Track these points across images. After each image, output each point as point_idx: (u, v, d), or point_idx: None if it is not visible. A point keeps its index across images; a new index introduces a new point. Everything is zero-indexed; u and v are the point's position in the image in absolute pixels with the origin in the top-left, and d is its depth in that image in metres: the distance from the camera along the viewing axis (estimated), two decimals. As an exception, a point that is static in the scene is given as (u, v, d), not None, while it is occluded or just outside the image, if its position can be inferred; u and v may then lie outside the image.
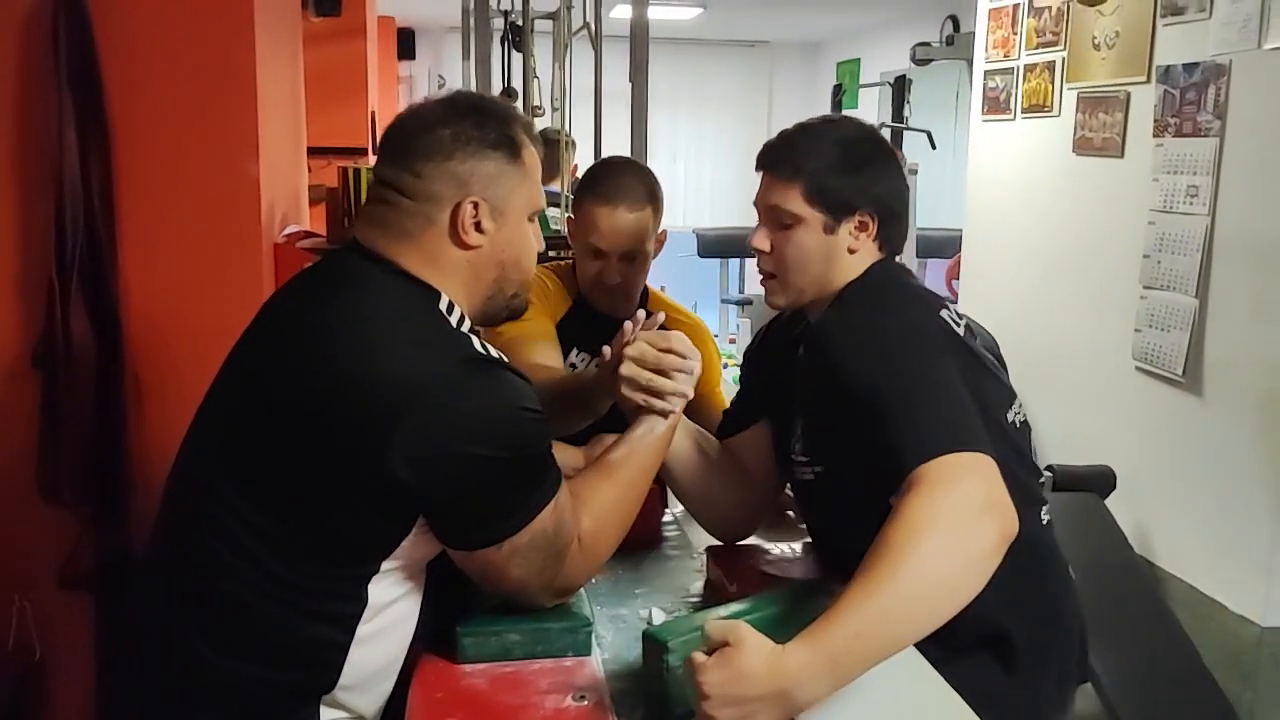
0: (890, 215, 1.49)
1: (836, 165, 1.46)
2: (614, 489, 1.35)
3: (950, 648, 1.31)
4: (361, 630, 1.22)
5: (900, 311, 1.42)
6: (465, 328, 1.27)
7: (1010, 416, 1.46)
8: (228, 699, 1.21)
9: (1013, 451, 1.41)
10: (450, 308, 1.27)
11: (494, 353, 1.24)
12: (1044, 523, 1.50)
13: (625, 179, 1.89)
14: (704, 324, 2.06)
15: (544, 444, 1.26)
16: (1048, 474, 2.77)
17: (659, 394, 1.41)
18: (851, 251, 1.48)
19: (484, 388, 1.20)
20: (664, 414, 1.41)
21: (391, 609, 1.26)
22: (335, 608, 1.22)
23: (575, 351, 1.99)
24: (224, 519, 1.20)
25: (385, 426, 1.14)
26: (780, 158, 1.49)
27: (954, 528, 1.13)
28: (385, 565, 1.23)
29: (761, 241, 1.50)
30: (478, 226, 1.29)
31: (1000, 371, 1.50)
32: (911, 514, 1.14)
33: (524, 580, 1.26)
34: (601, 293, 1.93)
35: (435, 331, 1.23)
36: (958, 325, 1.44)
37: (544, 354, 1.85)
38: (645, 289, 2.03)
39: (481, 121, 1.30)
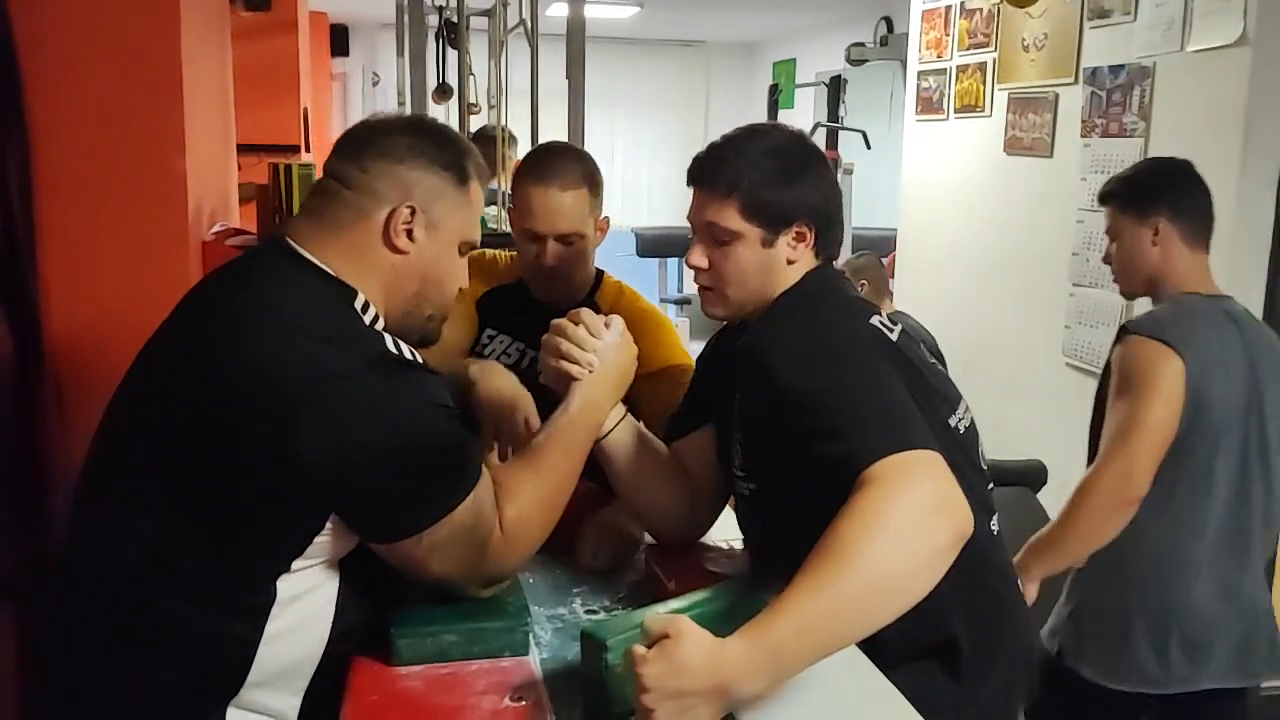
0: (826, 223, 1.49)
1: (772, 178, 1.44)
2: (537, 474, 1.35)
3: (898, 654, 1.32)
4: (271, 628, 1.20)
5: (830, 319, 1.41)
6: (379, 327, 1.25)
7: (954, 421, 1.45)
8: (131, 704, 1.19)
9: (961, 456, 1.39)
10: (365, 307, 1.26)
11: (407, 352, 1.23)
12: (995, 532, 1.48)
13: (561, 160, 1.86)
14: (659, 312, 2.01)
15: (454, 439, 1.25)
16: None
17: (571, 360, 1.45)
18: (790, 262, 1.47)
19: (391, 384, 1.19)
20: (572, 377, 1.45)
21: (303, 605, 1.23)
22: (244, 604, 1.20)
23: (490, 333, 1.94)
24: (133, 517, 1.18)
25: (290, 420, 1.13)
26: (713, 173, 1.46)
27: (905, 526, 1.11)
28: (297, 563, 1.21)
29: (699, 259, 1.48)
30: (409, 234, 1.29)
31: (942, 377, 1.49)
32: (861, 511, 1.12)
33: (446, 573, 1.27)
34: (539, 279, 1.88)
35: (345, 328, 1.22)
36: (891, 332, 1.43)
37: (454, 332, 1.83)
38: (600, 275, 1.98)
39: (441, 143, 1.33)
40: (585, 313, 1.50)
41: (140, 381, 1.29)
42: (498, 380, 1.62)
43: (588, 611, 1.48)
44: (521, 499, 1.31)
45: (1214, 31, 2.65)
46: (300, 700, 1.28)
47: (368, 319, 1.25)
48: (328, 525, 1.20)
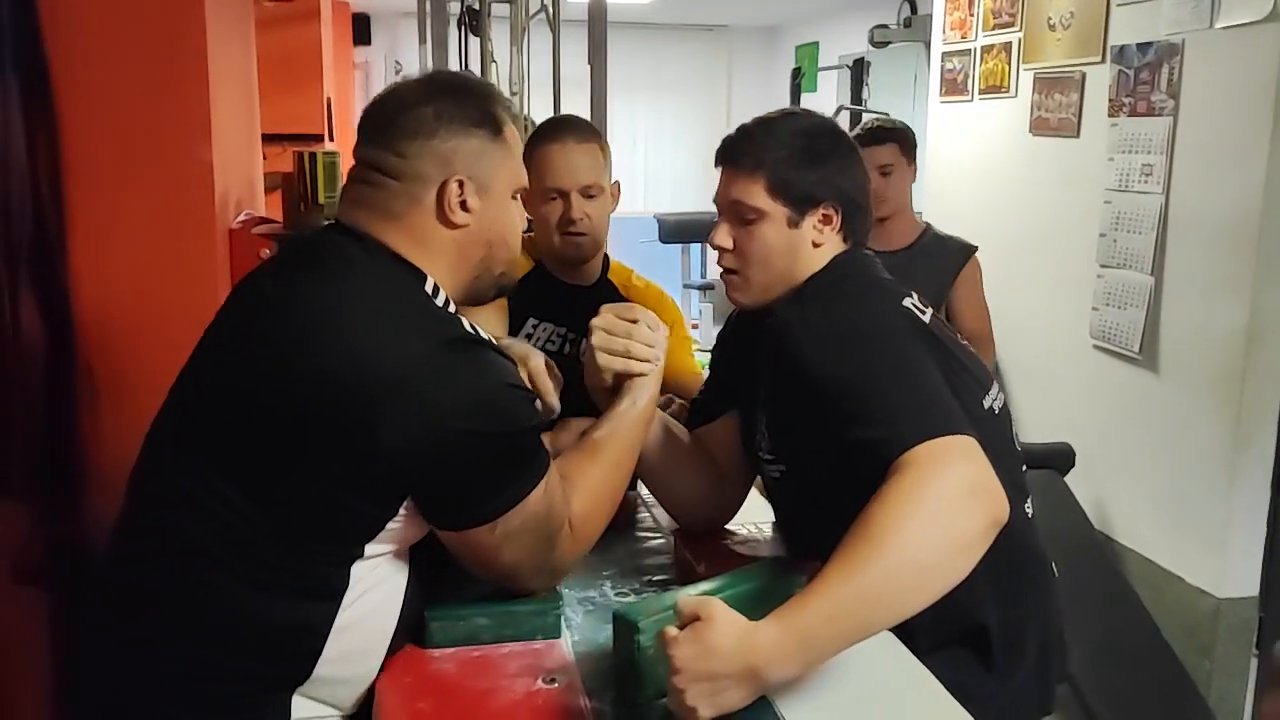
0: (854, 207, 1.47)
1: (799, 157, 1.43)
2: (601, 469, 1.34)
3: (931, 640, 1.31)
4: (342, 617, 1.19)
5: (862, 302, 1.39)
6: (450, 309, 1.25)
7: (988, 403, 1.43)
8: (196, 690, 1.18)
9: (996, 438, 1.38)
10: (436, 290, 1.25)
11: (482, 333, 1.23)
12: (1028, 516, 1.47)
13: (567, 122, 1.94)
14: (666, 292, 2.04)
15: (530, 422, 1.24)
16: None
17: (639, 358, 1.41)
18: (816, 245, 1.45)
19: (471, 367, 1.19)
20: (644, 374, 1.41)
21: (374, 596, 1.22)
22: (317, 590, 1.19)
23: (534, 322, 1.93)
24: (204, 503, 1.17)
25: (376, 409, 1.12)
26: (740, 152, 1.46)
27: (939, 512, 1.11)
28: (370, 549, 1.20)
29: (724, 239, 1.46)
30: (463, 205, 1.28)
31: (974, 358, 1.47)
32: (895, 497, 1.11)
33: (516, 564, 1.26)
34: (567, 244, 1.89)
35: (422, 313, 1.22)
36: (923, 314, 1.41)
37: (488, 324, 1.83)
38: (606, 258, 2.00)
39: (462, 99, 1.30)
40: (640, 309, 1.47)
41: (211, 370, 1.27)
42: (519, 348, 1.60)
43: (618, 594, 1.48)
44: (588, 494, 1.31)
45: (1244, 7, 2.61)
46: (362, 693, 1.26)
47: (439, 302, 1.25)
48: (401, 510, 1.20)
